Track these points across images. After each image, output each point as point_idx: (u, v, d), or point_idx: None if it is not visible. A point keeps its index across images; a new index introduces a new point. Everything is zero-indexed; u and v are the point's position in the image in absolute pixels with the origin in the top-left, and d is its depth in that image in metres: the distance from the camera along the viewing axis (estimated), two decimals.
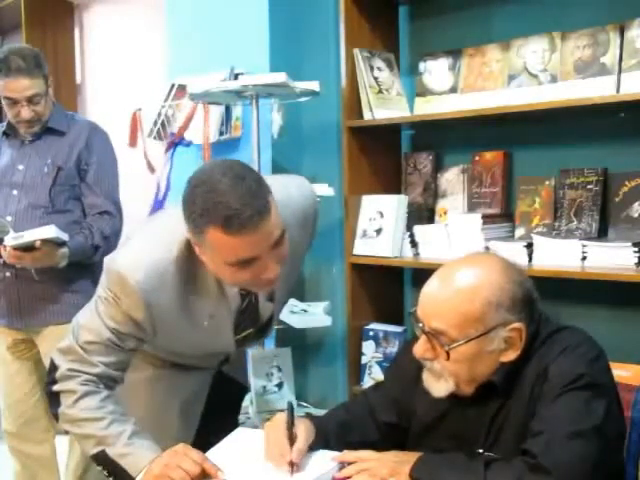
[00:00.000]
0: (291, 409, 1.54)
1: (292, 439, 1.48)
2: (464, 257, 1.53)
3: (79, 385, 1.53)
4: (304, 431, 1.51)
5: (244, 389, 2.14)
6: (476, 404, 1.48)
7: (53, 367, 1.59)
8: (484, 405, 1.47)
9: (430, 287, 1.47)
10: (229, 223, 1.37)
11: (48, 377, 1.60)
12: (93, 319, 1.57)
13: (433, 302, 1.45)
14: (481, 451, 1.45)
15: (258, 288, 1.57)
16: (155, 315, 1.55)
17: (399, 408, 1.62)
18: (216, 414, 1.90)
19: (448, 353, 1.41)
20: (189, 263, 1.54)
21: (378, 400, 1.66)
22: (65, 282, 2.52)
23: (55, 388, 1.56)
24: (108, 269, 1.57)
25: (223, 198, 1.37)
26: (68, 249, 2.44)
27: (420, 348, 1.46)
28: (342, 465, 1.48)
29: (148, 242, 1.60)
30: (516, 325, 1.42)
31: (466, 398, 1.48)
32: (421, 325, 1.45)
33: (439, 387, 1.46)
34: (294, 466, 1.44)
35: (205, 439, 1.61)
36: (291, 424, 1.51)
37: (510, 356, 1.43)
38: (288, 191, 1.68)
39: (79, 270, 2.53)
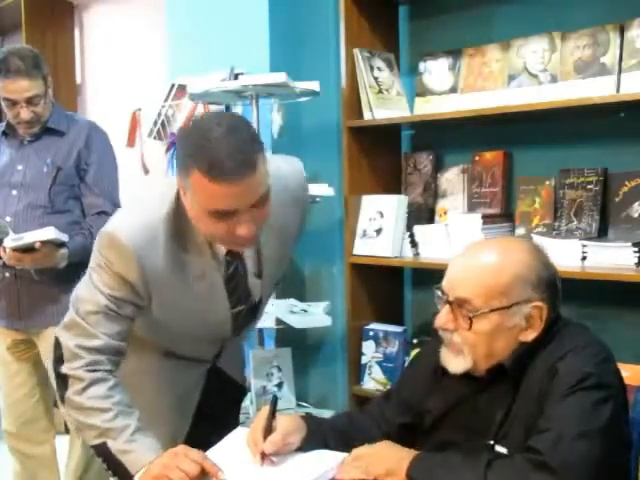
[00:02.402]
0: (274, 402, 1.54)
1: (269, 430, 1.48)
2: (492, 238, 1.55)
3: (87, 372, 1.53)
4: (285, 426, 1.51)
5: (243, 390, 2.13)
6: (487, 396, 1.48)
7: (58, 345, 1.58)
8: (495, 397, 1.47)
9: (458, 260, 1.51)
10: (212, 169, 1.39)
11: (54, 356, 1.60)
12: (89, 289, 1.58)
13: (460, 273, 1.48)
14: (492, 442, 1.45)
15: (234, 246, 1.57)
16: (148, 275, 1.56)
17: (413, 408, 1.62)
18: (214, 413, 1.89)
19: (471, 321, 1.43)
20: (179, 221, 1.55)
21: (391, 405, 1.67)
22: (65, 283, 2.52)
23: (63, 370, 1.56)
24: (99, 234, 1.60)
25: (212, 145, 1.40)
26: (68, 250, 2.44)
27: (442, 319, 1.48)
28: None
29: (137, 205, 1.64)
30: (538, 303, 1.44)
31: (477, 389, 1.49)
32: (445, 297, 1.48)
33: (457, 363, 1.48)
34: (265, 458, 1.45)
35: (202, 438, 1.60)
36: (271, 416, 1.51)
37: (529, 336, 1.45)
38: (277, 164, 1.69)
39: (79, 271, 2.53)
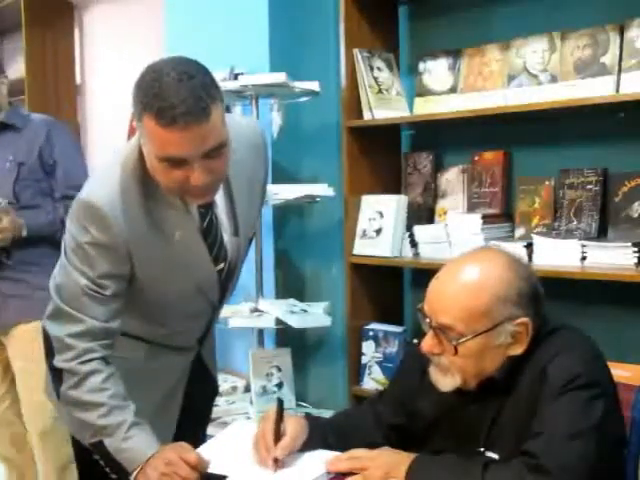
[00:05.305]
0: (280, 405, 1.53)
1: (279, 435, 1.47)
2: (470, 252, 1.53)
3: (80, 365, 1.51)
4: (293, 429, 1.50)
5: (217, 387, 2.08)
6: (476, 403, 1.48)
7: (47, 337, 1.56)
8: (484, 404, 1.47)
9: (437, 283, 1.47)
10: (161, 114, 1.38)
11: (45, 349, 1.57)
12: (68, 273, 1.55)
13: (440, 298, 1.45)
14: (482, 450, 1.45)
15: (188, 197, 1.54)
16: (127, 234, 1.53)
17: (405, 410, 1.62)
18: (196, 410, 1.87)
19: (456, 348, 1.41)
20: (148, 178, 1.53)
21: (384, 404, 1.66)
22: (35, 278, 2.46)
23: (56, 363, 1.53)
24: (72, 206, 1.57)
25: (163, 90, 1.39)
26: (24, 218, 2.42)
27: (427, 343, 1.46)
28: (334, 475, 1.46)
29: (105, 169, 1.61)
30: (523, 320, 1.42)
31: (467, 397, 1.48)
32: (428, 321, 1.46)
33: (446, 382, 1.47)
34: (278, 463, 1.44)
35: (189, 437, 1.58)
36: (279, 420, 1.50)
37: (517, 350, 1.44)
38: (235, 119, 1.68)
39: (48, 264, 2.48)
